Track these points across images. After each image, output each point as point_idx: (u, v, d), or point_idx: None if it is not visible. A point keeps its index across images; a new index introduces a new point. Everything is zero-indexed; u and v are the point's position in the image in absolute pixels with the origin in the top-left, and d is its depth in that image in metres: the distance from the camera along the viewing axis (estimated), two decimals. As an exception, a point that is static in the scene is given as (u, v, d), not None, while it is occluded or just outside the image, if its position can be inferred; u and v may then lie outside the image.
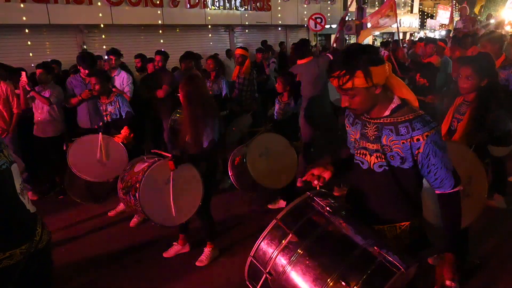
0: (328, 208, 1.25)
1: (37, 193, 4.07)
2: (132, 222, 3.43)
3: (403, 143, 1.29)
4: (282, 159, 3.02)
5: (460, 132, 2.10)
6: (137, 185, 2.28)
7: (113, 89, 3.61)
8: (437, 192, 1.37)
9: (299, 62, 3.83)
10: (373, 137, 1.36)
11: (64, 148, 4.11)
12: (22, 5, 6.30)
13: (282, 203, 3.58)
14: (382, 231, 1.40)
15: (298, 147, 3.19)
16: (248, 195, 3.75)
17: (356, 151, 1.46)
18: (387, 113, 1.34)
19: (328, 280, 1.10)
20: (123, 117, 3.32)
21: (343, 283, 1.08)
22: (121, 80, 4.23)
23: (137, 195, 2.26)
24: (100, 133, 3.00)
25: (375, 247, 1.14)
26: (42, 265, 1.52)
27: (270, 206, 3.64)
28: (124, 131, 3.18)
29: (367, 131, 1.39)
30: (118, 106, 3.30)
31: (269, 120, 3.57)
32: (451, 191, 1.34)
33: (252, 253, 1.27)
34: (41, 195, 4.09)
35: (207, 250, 2.80)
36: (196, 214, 2.51)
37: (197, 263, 2.74)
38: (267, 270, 1.21)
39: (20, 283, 1.41)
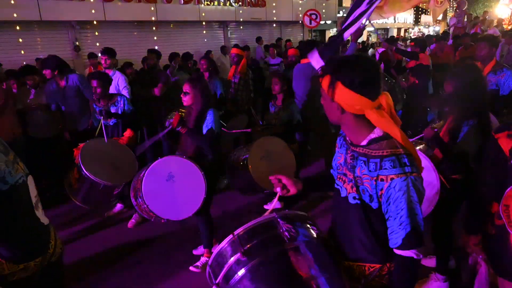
0: (287, 234, 1.20)
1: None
2: (130, 223, 3.44)
3: (370, 179, 1.15)
4: (281, 161, 3.04)
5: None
6: (138, 186, 2.34)
7: None
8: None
9: (303, 61, 3.82)
10: (350, 165, 1.25)
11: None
12: (12, 1, 6.19)
13: (277, 204, 3.62)
14: (349, 268, 1.28)
15: (295, 149, 3.22)
16: (244, 196, 3.77)
17: (337, 176, 1.34)
18: (364, 142, 1.20)
19: None
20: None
21: None
22: (116, 81, 4.16)
23: (141, 194, 2.32)
24: (101, 120, 3.09)
25: (318, 283, 1.10)
26: (55, 278, 1.50)
27: (266, 206, 3.68)
28: (128, 133, 3.28)
29: (347, 157, 1.27)
30: (122, 106, 3.35)
31: (266, 124, 3.58)
32: (399, 251, 1.15)
33: (209, 262, 1.29)
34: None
35: (203, 259, 2.78)
36: (196, 215, 2.53)
37: (191, 268, 2.73)
38: (216, 281, 1.22)
39: None
